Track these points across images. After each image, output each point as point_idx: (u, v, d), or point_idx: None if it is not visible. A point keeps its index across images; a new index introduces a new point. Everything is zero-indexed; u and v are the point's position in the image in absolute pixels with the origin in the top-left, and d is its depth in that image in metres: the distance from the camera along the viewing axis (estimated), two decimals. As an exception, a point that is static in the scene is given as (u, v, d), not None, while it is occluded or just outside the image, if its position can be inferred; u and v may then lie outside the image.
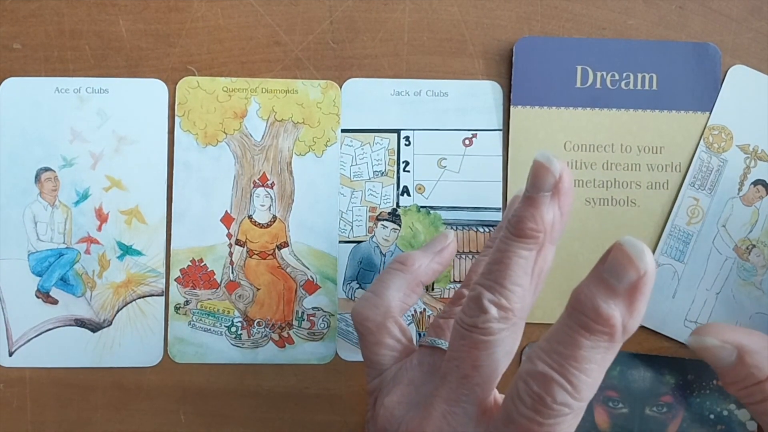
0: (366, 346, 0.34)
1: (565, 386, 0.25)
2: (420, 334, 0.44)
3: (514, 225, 0.28)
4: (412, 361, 0.33)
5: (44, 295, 0.43)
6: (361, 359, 0.43)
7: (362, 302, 0.35)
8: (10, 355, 0.43)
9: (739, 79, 0.43)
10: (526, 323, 0.43)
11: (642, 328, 0.43)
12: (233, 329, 0.43)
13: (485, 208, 0.44)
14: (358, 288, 0.44)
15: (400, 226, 0.44)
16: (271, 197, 0.44)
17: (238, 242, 0.44)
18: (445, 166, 0.44)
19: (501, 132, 0.44)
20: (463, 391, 0.28)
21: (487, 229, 0.44)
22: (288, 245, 0.44)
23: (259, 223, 0.44)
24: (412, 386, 0.31)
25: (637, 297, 0.24)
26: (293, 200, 0.44)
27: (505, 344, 0.28)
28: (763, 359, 0.30)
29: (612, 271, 0.24)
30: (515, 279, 0.27)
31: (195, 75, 0.44)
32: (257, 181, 0.44)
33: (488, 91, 0.44)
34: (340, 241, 0.44)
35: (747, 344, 0.30)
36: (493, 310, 0.27)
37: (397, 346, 0.34)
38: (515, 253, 0.27)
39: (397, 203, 0.44)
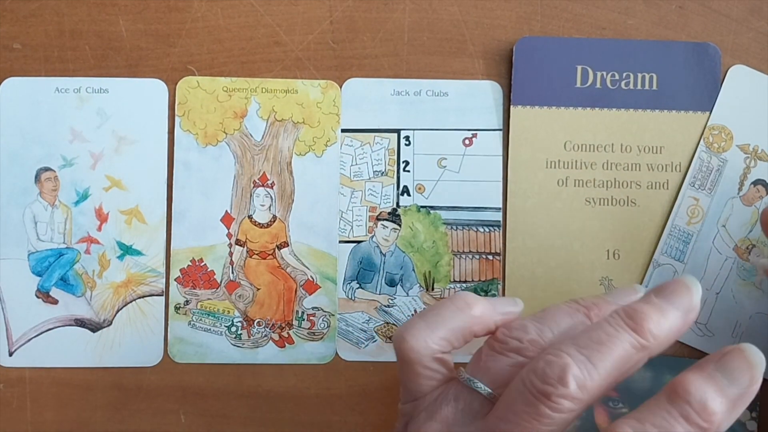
0: (404, 372, 0.32)
1: None
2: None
3: (634, 319, 0.27)
4: (448, 394, 0.30)
5: (44, 295, 0.43)
6: (362, 359, 0.44)
7: (411, 329, 0.32)
8: (10, 355, 0.43)
9: (739, 79, 0.43)
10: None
11: (642, 328, 0.43)
12: (233, 329, 0.43)
13: (485, 208, 0.44)
14: (358, 288, 0.44)
15: (400, 226, 0.44)
16: (271, 197, 0.44)
17: (238, 242, 0.44)
18: (445, 166, 0.44)
19: (501, 132, 0.44)
20: None
21: (487, 229, 0.44)
22: (288, 245, 0.44)
23: (259, 223, 0.44)
24: (444, 425, 0.29)
25: (742, 402, 0.25)
26: (293, 200, 0.44)
27: (567, 423, 0.27)
28: None
29: (727, 373, 0.25)
30: (608, 366, 0.26)
31: (195, 75, 0.44)
32: (257, 181, 0.44)
33: (488, 91, 0.44)
34: (340, 241, 0.44)
35: None
36: (574, 387, 0.26)
37: (435, 376, 0.32)
38: (623, 344, 0.27)
39: (397, 203, 0.44)
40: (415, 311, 0.44)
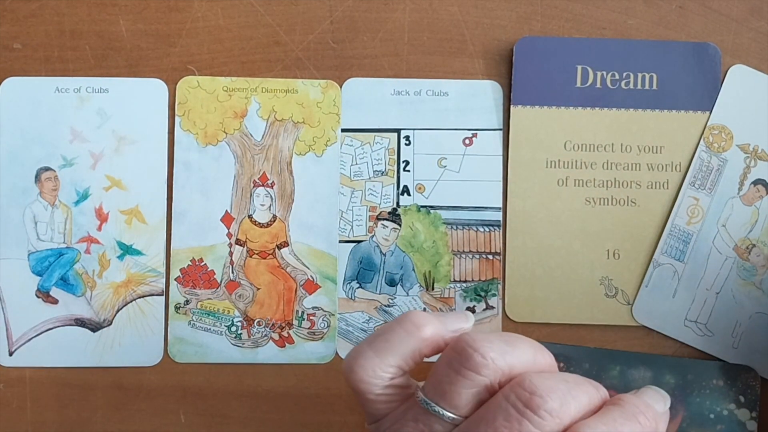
0: (359, 399, 0.31)
1: None
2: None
3: (630, 402, 0.29)
4: (407, 415, 0.30)
5: (44, 295, 0.43)
6: (361, 359, 0.44)
7: (358, 360, 0.31)
8: (10, 354, 0.43)
9: (739, 79, 0.43)
10: (526, 323, 0.43)
11: (642, 327, 0.43)
12: (233, 329, 0.43)
13: (485, 208, 0.44)
14: (358, 287, 0.44)
15: (400, 225, 0.44)
16: (271, 197, 0.44)
17: (238, 242, 0.44)
18: (445, 166, 0.44)
19: (501, 132, 0.44)
20: None
21: (487, 229, 0.44)
22: (288, 245, 0.44)
23: (259, 223, 0.44)
24: None
25: None
26: (293, 200, 0.44)
27: None
28: None
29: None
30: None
31: (195, 75, 0.44)
32: (257, 181, 0.44)
33: (488, 91, 0.44)
34: (340, 241, 0.44)
35: None
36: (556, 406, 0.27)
37: (392, 399, 0.31)
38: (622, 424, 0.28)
39: (397, 203, 0.44)
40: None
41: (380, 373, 0.30)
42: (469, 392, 0.28)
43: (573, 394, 0.28)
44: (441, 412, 0.29)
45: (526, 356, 0.29)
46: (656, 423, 0.29)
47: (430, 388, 0.30)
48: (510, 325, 0.43)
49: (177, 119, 0.44)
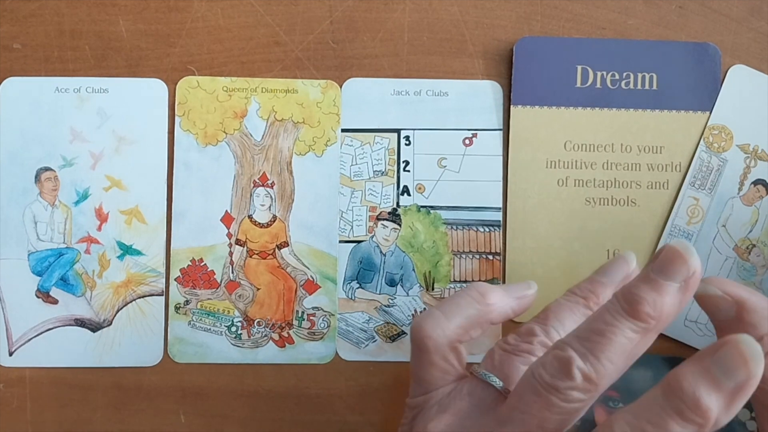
0: (418, 362, 0.32)
1: None
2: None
3: (630, 303, 0.27)
4: (462, 389, 0.31)
5: (44, 295, 0.43)
6: (362, 359, 0.44)
7: (428, 318, 0.33)
8: (10, 355, 0.43)
9: (739, 79, 0.43)
10: (526, 323, 0.43)
11: (642, 327, 0.43)
12: (233, 329, 0.43)
13: (485, 208, 0.44)
14: (358, 287, 0.44)
15: (400, 225, 0.44)
16: (271, 197, 0.44)
17: (238, 242, 0.44)
18: (445, 166, 0.44)
19: (501, 132, 0.44)
20: None
21: (487, 229, 0.44)
22: (288, 245, 0.44)
23: (259, 223, 0.44)
24: (458, 418, 0.30)
25: (739, 397, 0.24)
26: (293, 200, 0.44)
27: (578, 412, 0.27)
28: (761, 319, 0.29)
29: (722, 367, 0.24)
30: (612, 356, 0.26)
31: (195, 75, 0.44)
32: (257, 181, 0.44)
33: (488, 91, 0.44)
34: (340, 241, 0.44)
35: (748, 301, 0.30)
36: (579, 379, 0.26)
37: (450, 370, 0.32)
38: (622, 331, 0.26)
39: (397, 203, 0.44)
40: (415, 311, 0.44)
41: (447, 333, 0.32)
42: (521, 365, 0.30)
43: (594, 353, 0.26)
44: (496, 382, 0.30)
45: (565, 323, 0.31)
46: (715, 421, 0.24)
47: (485, 365, 0.31)
48: (510, 325, 0.43)
49: (177, 119, 0.44)
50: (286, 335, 0.44)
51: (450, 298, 0.34)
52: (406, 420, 0.33)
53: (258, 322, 0.44)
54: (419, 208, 0.44)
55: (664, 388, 0.25)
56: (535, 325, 0.32)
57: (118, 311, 0.43)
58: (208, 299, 0.44)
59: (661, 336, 0.43)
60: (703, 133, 0.43)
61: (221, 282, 0.44)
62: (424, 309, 0.44)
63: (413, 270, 0.44)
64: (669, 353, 0.43)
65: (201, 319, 0.43)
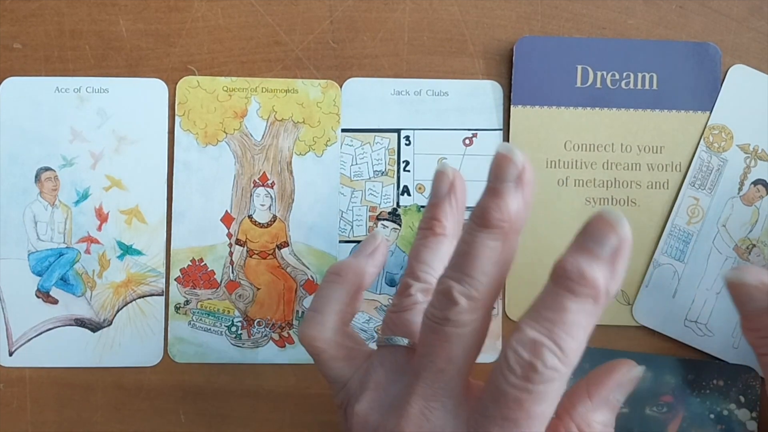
0: (320, 363, 0.33)
1: (554, 350, 0.25)
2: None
3: (480, 216, 0.28)
4: (373, 363, 0.32)
5: (44, 295, 0.43)
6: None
7: (307, 323, 0.33)
8: (10, 355, 0.43)
9: (739, 78, 0.43)
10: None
11: (642, 328, 0.43)
12: (233, 329, 0.43)
13: (485, 208, 0.44)
14: (358, 288, 0.44)
15: (400, 225, 0.44)
16: (271, 197, 0.44)
17: (238, 242, 0.44)
18: (445, 166, 0.44)
19: (501, 132, 0.44)
20: (440, 385, 0.28)
21: (487, 229, 0.44)
22: (288, 245, 0.44)
23: (259, 223, 0.44)
24: (380, 389, 0.31)
25: (618, 261, 0.26)
26: (293, 200, 0.44)
27: (477, 334, 0.28)
28: None
29: (595, 239, 0.26)
30: (483, 269, 0.27)
31: (195, 75, 0.44)
32: (257, 181, 0.44)
33: (488, 91, 0.44)
34: (340, 241, 0.44)
35: None
36: (463, 302, 0.27)
37: (352, 354, 0.33)
38: (482, 243, 0.28)
39: (398, 203, 0.44)
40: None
41: (328, 324, 0.33)
42: (414, 317, 0.32)
43: (471, 277, 0.28)
44: (399, 340, 0.31)
45: (432, 263, 0.32)
46: (605, 290, 0.26)
47: (383, 331, 0.33)
48: (510, 325, 0.43)
49: (177, 119, 0.44)
50: (286, 335, 0.44)
51: (315, 294, 0.35)
52: (341, 420, 0.33)
53: (258, 322, 0.44)
54: (419, 208, 0.44)
55: (552, 277, 0.26)
56: (406, 278, 0.33)
57: (118, 311, 0.43)
58: (208, 299, 0.44)
59: (661, 336, 0.43)
60: (703, 133, 0.43)
61: (221, 282, 0.44)
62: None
63: (413, 270, 0.44)
64: (669, 353, 0.43)
65: (201, 319, 0.43)
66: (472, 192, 0.44)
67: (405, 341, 0.31)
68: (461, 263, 0.28)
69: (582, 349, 0.26)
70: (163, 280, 0.43)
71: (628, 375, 0.32)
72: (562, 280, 0.26)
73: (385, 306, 0.44)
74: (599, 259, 0.25)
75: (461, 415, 0.28)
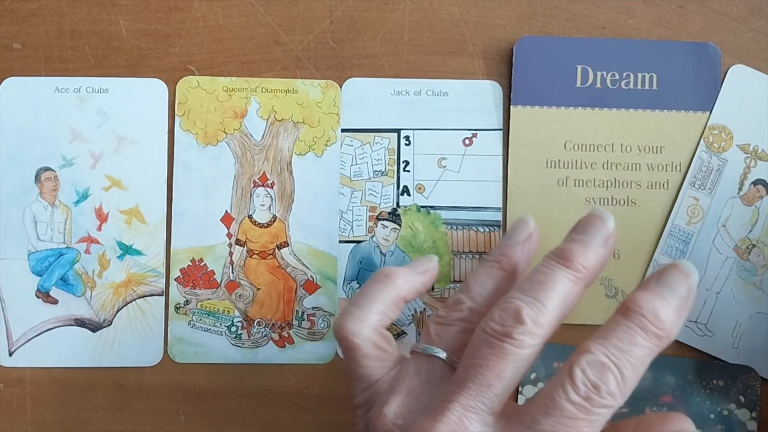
0: (353, 359, 0.33)
1: (618, 378, 0.27)
2: (420, 334, 0.44)
3: (564, 256, 0.30)
4: (408, 369, 0.32)
5: (44, 295, 0.43)
6: (361, 359, 0.44)
7: (346, 316, 0.34)
8: (10, 355, 0.43)
9: (739, 79, 0.43)
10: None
11: (642, 327, 0.43)
12: (233, 329, 0.43)
13: (485, 208, 0.44)
14: (358, 287, 0.44)
15: (400, 225, 0.44)
16: (271, 197, 0.44)
17: (238, 242, 0.44)
18: (445, 166, 0.44)
19: (501, 132, 0.44)
20: (483, 399, 0.28)
21: (487, 229, 0.44)
22: (288, 245, 0.44)
23: (259, 223, 0.44)
24: (412, 396, 0.31)
25: (685, 309, 0.29)
26: (293, 200, 0.44)
27: (530, 359, 0.29)
28: None
29: (670, 286, 0.29)
30: (554, 302, 0.29)
31: (195, 75, 0.44)
32: (257, 181, 0.44)
33: (488, 91, 0.44)
34: (340, 241, 0.44)
35: None
36: (530, 324, 0.29)
37: (385, 356, 0.33)
38: (559, 278, 0.30)
39: (397, 203, 0.44)
40: (416, 311, 0.44)
41: (368, 322, 0.33)
42: (458, 333, 0.32)
43: (542, 302, 0.29)
44: (440, 352, 0.31)
45: (487, 287, 0.33)
46: (670, 332, 0.29)
47: (424, 338, 0.33)
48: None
49: (177, 119, 0.44)
50: (286, 335, 0.44)
51: (359, 290, 0.35)
52: (359, 419, 0.33)
53: (258, 322, 0.44)
54: (419, 208, 0.44)
55: (624, 312, 0.29)
56: (460, 294, 0.33)
57: (118, 311, 0.43)
58: (208, 299, 0.44)
59: (661, 336, 0.43)
60: (703, 133, 0.43)
61: (221, 282, 0.44)
62: (424, 309, 0.44)
63: (413, 270, 0.44)
64: (669, 353, 0.43)
65: (201, 319, 0.43)
66: (473, 192, 0.44)
67: (444, 354, 0.31)
68: (535, 289, 0.30)
69: (635, 385, 0.28)
70: (163, 280, 0.43)
71: (677, 428, 0.33)
72: (636, 316, 0.28)
73: (385, 306, 0.44)
74: (671, 305, 0.29)
75: (499, 430, 0.28)
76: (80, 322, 0.43)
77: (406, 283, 0.35)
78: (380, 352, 0.33)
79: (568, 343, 0.43)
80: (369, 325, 0.33)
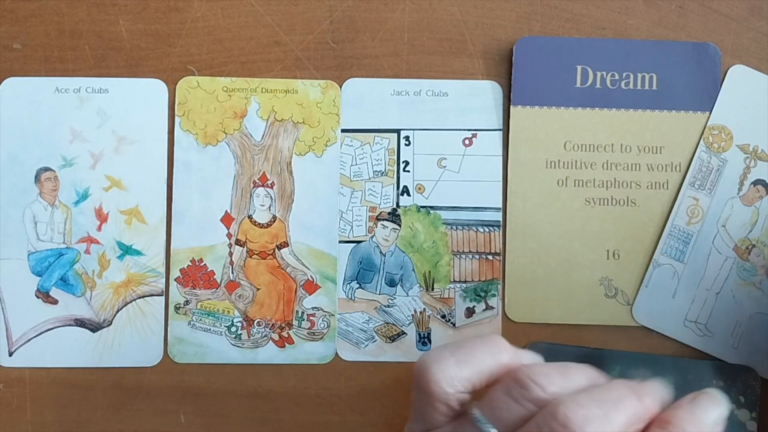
0: (419, 401, 0.31)
1: None
2: (420, 334, 0.44)
3: (647, 393, 0.30)
4: (464, 427, 0.30)
5: (44, 295, 0.43)
6: (362, 359, 0.44)
7: (437, 361, 0.30)
8: (10, 355, 0.43)
9: (739, 79, 0.43)
10: (526, 323, 0.43)
11: (642, 328, 0.43)
12: (233, 329, 0.43)
13: (485, 208, 0.44)
14: (358, 288, 0.44)
15: (400, 226, 0.44)
16: (271, 197, 0.44)
17: (238, 242, 0.44)
18: (445, 166, 0.44)
19: (501, 132, 0.44)
20: None
21: (487, 229, 0.44)
22: (288, 245, 0.44)
23: (259, 223, 0.44)
24: None
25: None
26: (293, 200, 0.44)
27: None
28: None
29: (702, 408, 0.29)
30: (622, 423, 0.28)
31: (195, 75, 0.44)
32: (257, 181, 0.44)
33: (488, 91, 0.44)
34: (340, 241, 0.44)
35: None
36: None
37: (450, 413, 0.31)
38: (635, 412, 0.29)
39: (397, 203, 0.44)
40: (415, 311, 0.44)
41: (456, 383, 0.30)
42: (521, 418, 0.29)
43: (609, 419, 0.27)
44: (490, 430, 0.29)
45: (580, 385, 0.30)
46: None
47: (486, 410, 0.30)
48: (510, 325, 0.43)
49: (177, 119, 0.44)
50: (286, 335, 0.44)
51: (465, 342, 0.31)
52: None
53: (258, 322, 0.44)
54: (419, 208, 0.44)
55: (661, 424, 0.29)
56: (554, 371, 0.30)
57: (118, 311, 0.43)
58: (208, 299, 0.44)
59: (661, 336, 0.43)
60: (702, 133, 0.43)
61: (221, 282, 0.44)
62: (424, 309, 0.44)
63: (413, 270, 0.44)
64: (669, 353, 0.43)
65: (201, 319, 0.43)
66: (473, 192, 0.44)
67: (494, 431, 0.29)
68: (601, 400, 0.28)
69: None
70: (163, 280, 0.43)
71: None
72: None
73: (385, 306, 0.44)
74: (702, 424, 0.29)
75: None
76: (80, 323, 0.43)
77: (509, 364, 0.31)
78: (449, 409, 0.31)
79: (568, 343, 0.43)
80: (454, 385, 0.30)
